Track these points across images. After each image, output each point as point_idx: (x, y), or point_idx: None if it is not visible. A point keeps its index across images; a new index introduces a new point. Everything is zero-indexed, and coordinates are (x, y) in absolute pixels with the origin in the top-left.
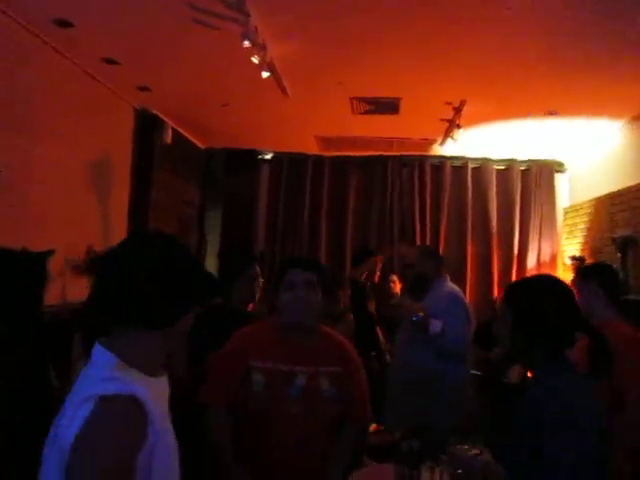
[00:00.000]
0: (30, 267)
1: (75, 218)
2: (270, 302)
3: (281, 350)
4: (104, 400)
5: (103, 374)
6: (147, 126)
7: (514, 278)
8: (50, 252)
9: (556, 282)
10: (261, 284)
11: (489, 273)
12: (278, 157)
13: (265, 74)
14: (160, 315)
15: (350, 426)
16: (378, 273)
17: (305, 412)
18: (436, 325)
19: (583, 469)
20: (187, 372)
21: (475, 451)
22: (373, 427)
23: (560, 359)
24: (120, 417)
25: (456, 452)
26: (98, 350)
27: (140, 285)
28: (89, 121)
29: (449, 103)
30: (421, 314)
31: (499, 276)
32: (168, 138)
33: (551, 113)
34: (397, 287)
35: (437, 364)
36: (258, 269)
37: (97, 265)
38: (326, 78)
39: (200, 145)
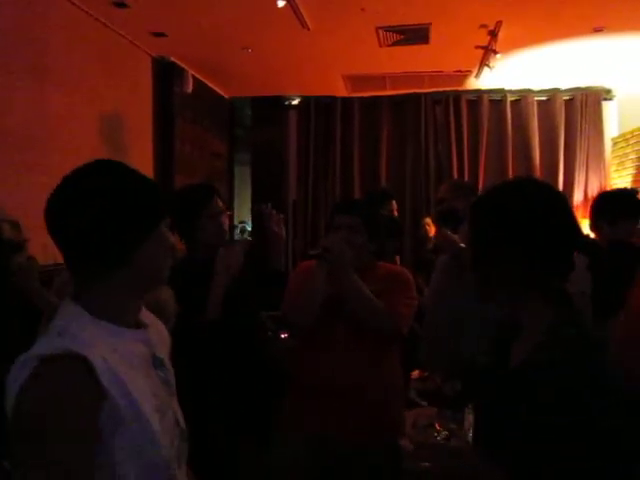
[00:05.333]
0: None
1: None
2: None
3: None
4: (44, 362)
5: (60, 325)
6: (166, 75)
7: None
8: None
9: (539, 183)
10: (227, 223)
11: None
12: (305, 101)
13: (281, 3)
14: (107, 248)
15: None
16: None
17: (351, 330)
18: None
19: None
20: None
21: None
22: (416, 373)
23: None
24: (59, 384)
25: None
26: (63, 303)
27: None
28: (105, 71)
29: (484, 26)
30: (462, 245)
31: None
32: (189, 87)
33: (597, 30)
34: (432, 230)
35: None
36: (221, 203)
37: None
38: (348, 4)
39: (224, 94)
